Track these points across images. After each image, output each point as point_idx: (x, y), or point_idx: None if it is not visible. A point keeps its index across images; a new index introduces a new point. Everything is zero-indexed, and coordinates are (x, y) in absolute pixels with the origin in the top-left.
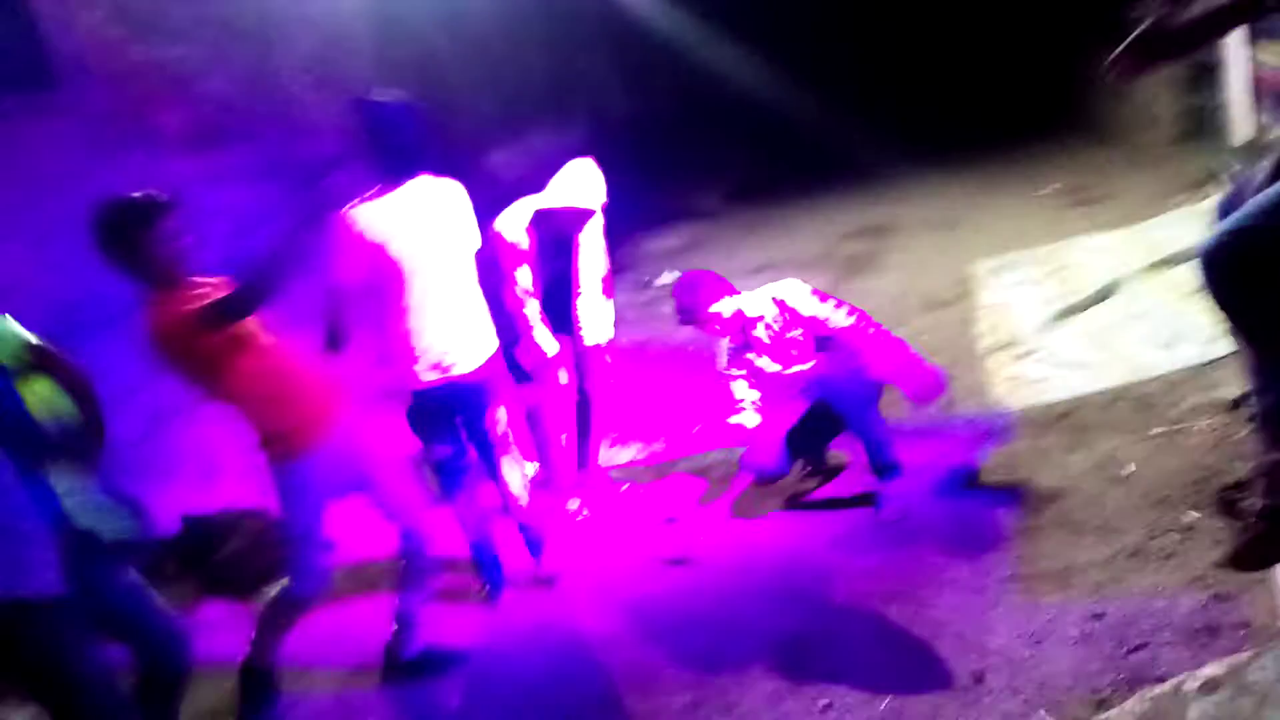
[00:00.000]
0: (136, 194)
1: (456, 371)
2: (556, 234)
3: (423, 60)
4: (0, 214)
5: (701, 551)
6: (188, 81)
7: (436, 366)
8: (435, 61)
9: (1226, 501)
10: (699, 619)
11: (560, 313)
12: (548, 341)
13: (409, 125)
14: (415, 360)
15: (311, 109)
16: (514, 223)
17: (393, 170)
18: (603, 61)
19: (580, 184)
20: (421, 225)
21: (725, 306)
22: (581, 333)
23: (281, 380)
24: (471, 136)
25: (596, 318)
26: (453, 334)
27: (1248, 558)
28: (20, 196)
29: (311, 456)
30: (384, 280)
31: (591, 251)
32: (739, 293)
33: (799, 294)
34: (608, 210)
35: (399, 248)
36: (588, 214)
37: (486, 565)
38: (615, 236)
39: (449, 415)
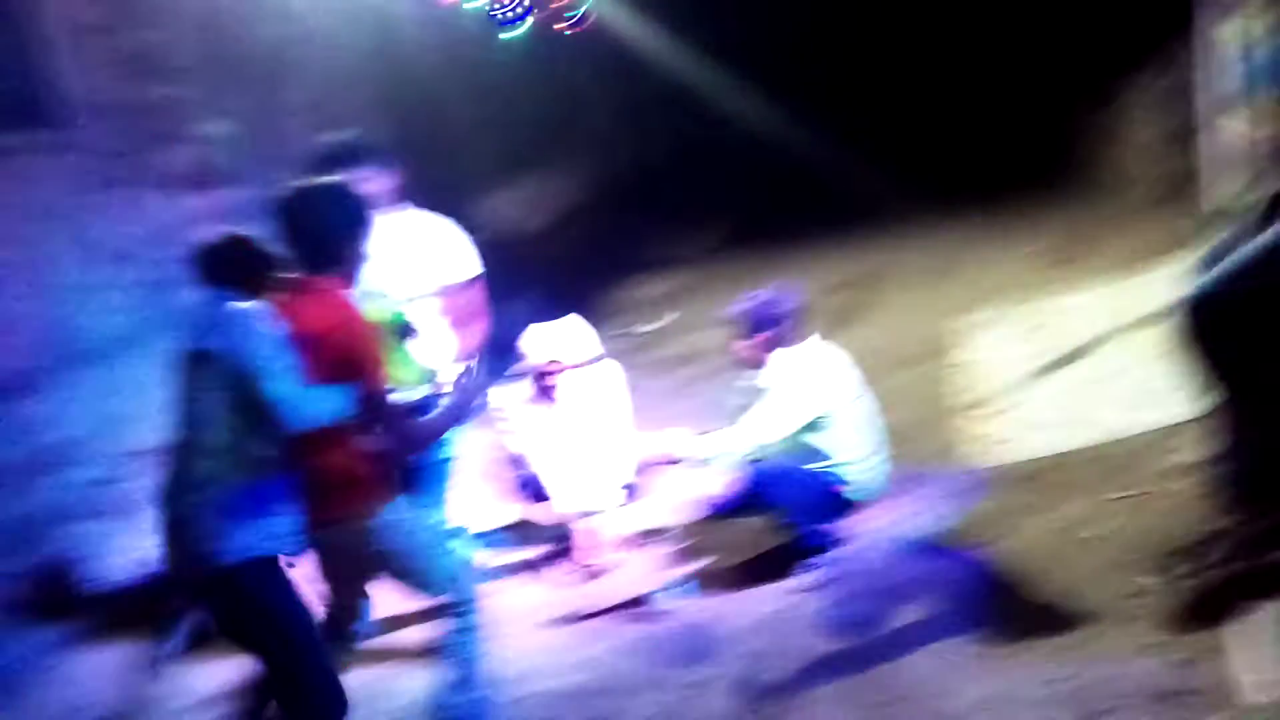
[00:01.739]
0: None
1: None
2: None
3: (425, 101)
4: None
5: (667, 606)
6: (190, 121)
7: None
8: (437, 103)
9: (1172, 563)
10: (657, 678)
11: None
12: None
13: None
14: None
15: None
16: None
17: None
18: (602, 108)
19: (566, 339)
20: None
21: (782, 356)
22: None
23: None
24: (472, 178)
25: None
26: None
27: (1182, 619)
28: (23, 230)
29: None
30: None
31: (594, 405)
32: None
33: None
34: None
35: None
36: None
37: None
38: (606, 281)
39: None
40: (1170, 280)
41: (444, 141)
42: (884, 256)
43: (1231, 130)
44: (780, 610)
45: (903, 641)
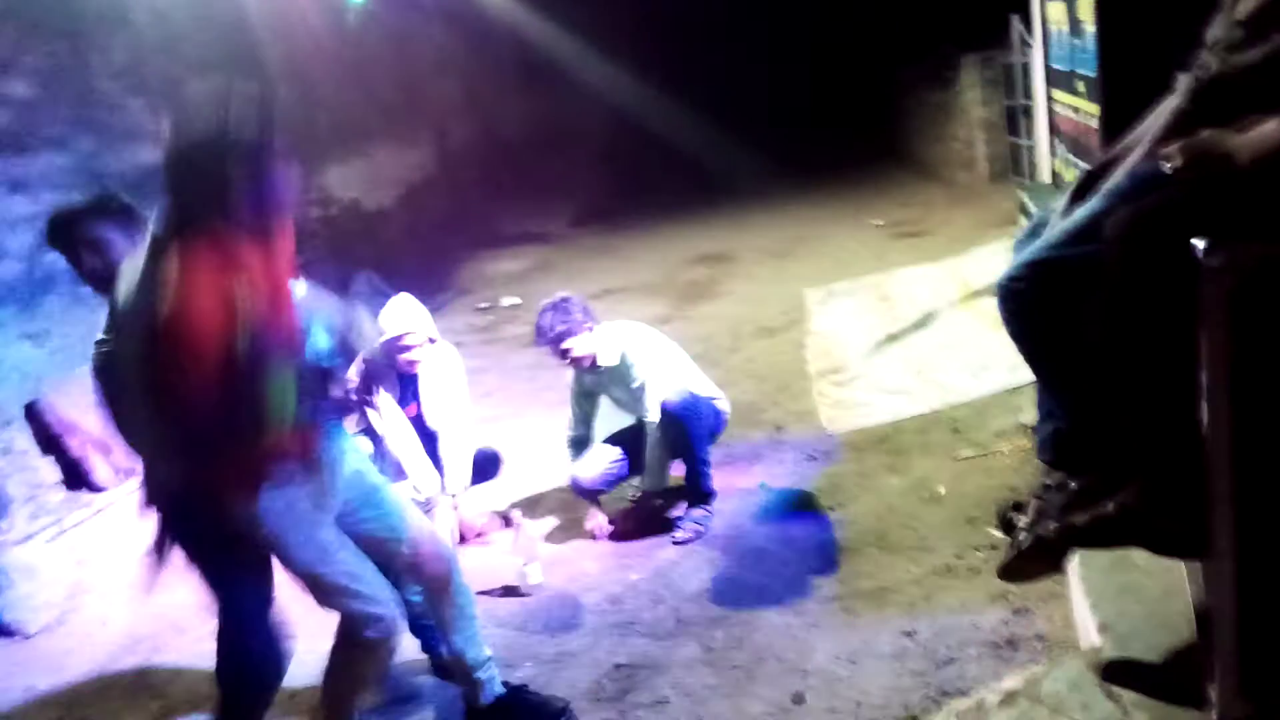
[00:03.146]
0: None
1: None
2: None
3: (258, 67)
4: None
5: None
6: None
7: None
8: (269, 75)
9: (1005, 519)
10: (527, 649)
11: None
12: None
13: None
14: None
15: (129, 114)
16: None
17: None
18: (449, 82)
19: (402, 317)
20: None
21: (583, 345)
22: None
23: None
24: (306, 154)
25: (456, 463)
26: None
27: (1014, 572)
28: None
29: None
30: None
31: (439, 385)
32: (596, 327)
33: (643, 342)
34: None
35: None
36: (407, 345)
37: None
38: (457, 259)
39: None
40: (1006, 252)
41: (279, 111)
42: (734, 235)
43: (1058, 109)
44: (645, 577)
45: (764, 601)
